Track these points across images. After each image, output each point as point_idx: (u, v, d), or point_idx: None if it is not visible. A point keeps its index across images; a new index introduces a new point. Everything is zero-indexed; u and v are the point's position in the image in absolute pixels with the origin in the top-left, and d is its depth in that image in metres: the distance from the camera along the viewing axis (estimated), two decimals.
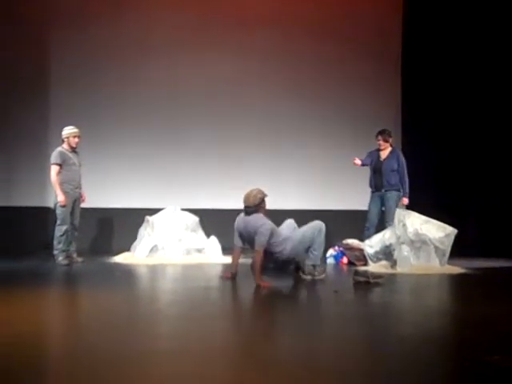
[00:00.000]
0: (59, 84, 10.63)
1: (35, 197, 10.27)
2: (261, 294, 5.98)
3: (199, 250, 9.06)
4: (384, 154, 9.05)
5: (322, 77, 11.28)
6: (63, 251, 8.24)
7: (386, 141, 9.03)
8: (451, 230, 7.78)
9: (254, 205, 6.66)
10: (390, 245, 7.73)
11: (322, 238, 7.02)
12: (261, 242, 6.48)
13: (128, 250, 9.07)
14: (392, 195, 8.84)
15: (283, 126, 11.14)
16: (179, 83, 10.97)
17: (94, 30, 10.67)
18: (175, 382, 2.82)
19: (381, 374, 2.99)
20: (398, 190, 8.89)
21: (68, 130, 8.37)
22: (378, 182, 8.98)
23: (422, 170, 10.44)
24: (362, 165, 9.04)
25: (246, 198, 6.71)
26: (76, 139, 8.39)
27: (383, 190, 8.89)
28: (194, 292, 5.98)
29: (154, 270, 7.91)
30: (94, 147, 10.19)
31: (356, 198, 10.09)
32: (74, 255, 8.43)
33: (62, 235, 8.21)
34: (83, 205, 8.61)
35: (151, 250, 8.82)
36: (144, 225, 9.10)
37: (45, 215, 9.86)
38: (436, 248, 7.69)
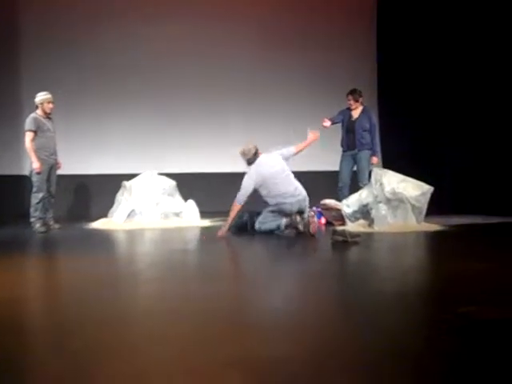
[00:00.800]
0: (31, 45, 10.44)
1: (10, 165, 10.17)
2: (241, 255, 6.00)
3: (177, 214, 9.05)
4: (356, 114, 9.04)
5: (298, 38, 11.21)
6: (40, 218, 8.18)
7: (357, 100, 9.01)
8: (427, 188, 7.82)
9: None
10: (367, 204, 7.76)
11: None
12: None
13: (106, 215, 9.05)
14: (365, 154, 8.89)
15: (259, 85, 11.09)
16: (155, 43, 10.83)
17: None
18: (155, 341, 2.83)
19: (354, 328, 3.02)
20: (370, 149, 8.93)
21: (42, 96, 8.24)
22: (350, 142, 8.98)
23: (397, 129, 10.50)
24: (333, 123, 9.01)
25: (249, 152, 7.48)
26: (50, 105, 8.27)
27: (356, 150, 8.92)
28: (172, 254, 5.99)
29: (132, 234, 7.90)
30: (69, 113, 10.07)
31: (326, 158, 10.08)
32: (51, 222, 8.38)
33: (38, 203, 8.14)
34: (59, 172, 8.53)
35: (129, 215, 8.81)
36: (121, 190, 9.07)
37: (20, 183, 9.77)
38: (413, 206, 7.72)
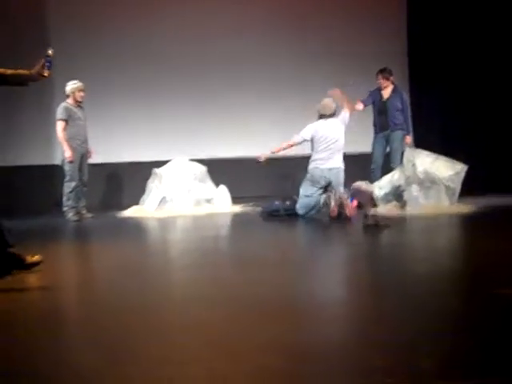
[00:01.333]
0: (60, 33, 10.46)
1: (42, 154, 10.23)
2: (273, 240, 6.00)
3: (208, 201, 9.04)
4: (386, 93, 8.86)
5: (325, 21, 11.08)
6: (73, 207, 8.24)
7: (387, 79, 8.82)
8: (461, 167, 7.69)
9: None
10: (400, 186, 7.68)
11: None
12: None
13: (137, 203, 9.08)
14: (398, 135, 8.72)
15: (285, 72, 10.99)
16: (184, 32, 10.79)
17: None
18: (191, 327, 2.83)
19: (390, 309, 3.00)
20: (403, 130, 8.78)
21: (73, 85, 8.27)
22: (383, 123, 8.80)
23: (429, 108, 10.37)
24: (365, 106, 8.88)
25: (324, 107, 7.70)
26: (81, 93, 8.30)
27: (389, 130, 8.77)
28: (205, 241, 6.00)
29: (164, 222, 7.93)
30: (98, 100, 10.09)
31: (359, 140, 9.95)
32: (84, 211, 8.43)
33: (70, 192, 8.20)
34: (90, 160, 8.58)
35: (160, 203, 8.82)
36: (152, 177, 9.08)
37: (52, 173, 9.84)
38: (446, 187, 7.62)
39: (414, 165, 7.62)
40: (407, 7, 11.13)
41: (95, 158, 8.71)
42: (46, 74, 4.61)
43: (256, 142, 10.21)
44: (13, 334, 2.88)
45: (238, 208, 8.81)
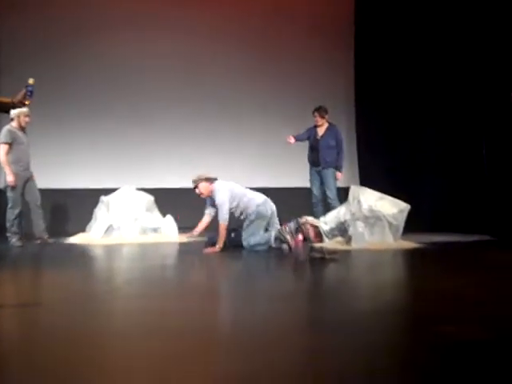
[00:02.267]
0: (9, 51, 10.34)
1: None
2: (218, 271, 6.00)
3: (155, 230, 9.03)
4: (321, 131, 9.28)
5: (275, 53, 11.26)
6: (16, 233, 8.10)
7: (323, 117, 9.24)
8: (404, 206, 7.88)
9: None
10: (345, 221, 7.81)
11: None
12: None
13: (84, 230, 9.00)
14: (329, 172, 9.15)
15: (240, 105, 11.11)
16: (127, 59, 10.81)
17: None
18: (137, 358, 2.83)
19: (330, 347, 3.03)
20: (333, 167, 9.16)
21: (19, 109, 8.18)
22: (315, 159, 9.24)
23: (376, 147, 10.58)
24: (297, 140, 9.20)
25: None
26: (27, 118, 8.20)
27: (320, 167, 9.14)
28: (150, 270, 5.97)
29: (111, 249, 7.85)
30: (45, 125, 10.00)
31: (300, 174, 10.09)
32: (46, 236, 8.28)
33: (14, 218, 8.06)
34: (38, 185, 8.43)
35: (107, 230, 8.78)
36: (99, 205, 9.03)
37: None
38: (390, 224, 7.77)
39: (359, 202, 7.76)
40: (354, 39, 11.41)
41: (41, 184, 8.59)
42: (27, 103, 5.00)
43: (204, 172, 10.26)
44: None
45: (184, 238, 8.80)
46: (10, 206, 8.07)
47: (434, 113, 10.40)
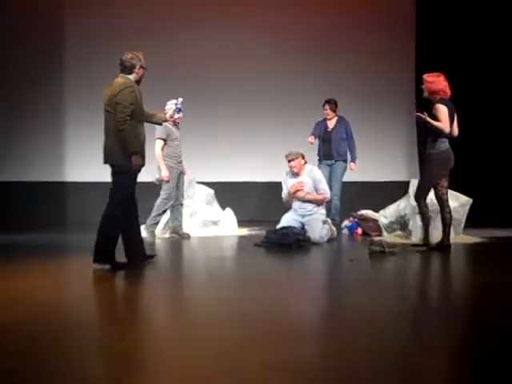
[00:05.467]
0: (74, 50, 10.59)
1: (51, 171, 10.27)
2: (278, 264, 6.05)
3: (215, 223, 9.10)
4: (331, 124, 9.29)
5: (334, 44, 11.20)
6: (156, 224, 8.25)
7: (333, 110, 9.25)
8: (466, 200, 7.74)
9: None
10: (405, 215, 7.74)
11: None
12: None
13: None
14: (340, 165, 9.20)
15: (294, 98, 11.08)
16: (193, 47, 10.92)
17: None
18: (195, 343, 2.90)
19: (396, 336, 3.05)
20: (345, 161, 9.21)
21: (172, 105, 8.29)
22: (326, 152, 9.22)
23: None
24: (315, 137, 9.25)
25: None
26: (180, 114, 8.31)
27: (333, 160, 9.16)
28: (210, 261, 6.06)
29: (171, 242, 7.97)
30: None
31: (367, 169, 10.05)
32: (181, 231, 8.38)
33: (165, 210, 8.22)
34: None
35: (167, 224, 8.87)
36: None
37: (61, 190, 9.91)
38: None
39: None
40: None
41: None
42: (176, 117, 6.23)
43: (263, 167, 10.34)
44: None
45: (244, 231, 8.87)
46: (164, 197, 8.21)
47: (495, 106, 10.20)
